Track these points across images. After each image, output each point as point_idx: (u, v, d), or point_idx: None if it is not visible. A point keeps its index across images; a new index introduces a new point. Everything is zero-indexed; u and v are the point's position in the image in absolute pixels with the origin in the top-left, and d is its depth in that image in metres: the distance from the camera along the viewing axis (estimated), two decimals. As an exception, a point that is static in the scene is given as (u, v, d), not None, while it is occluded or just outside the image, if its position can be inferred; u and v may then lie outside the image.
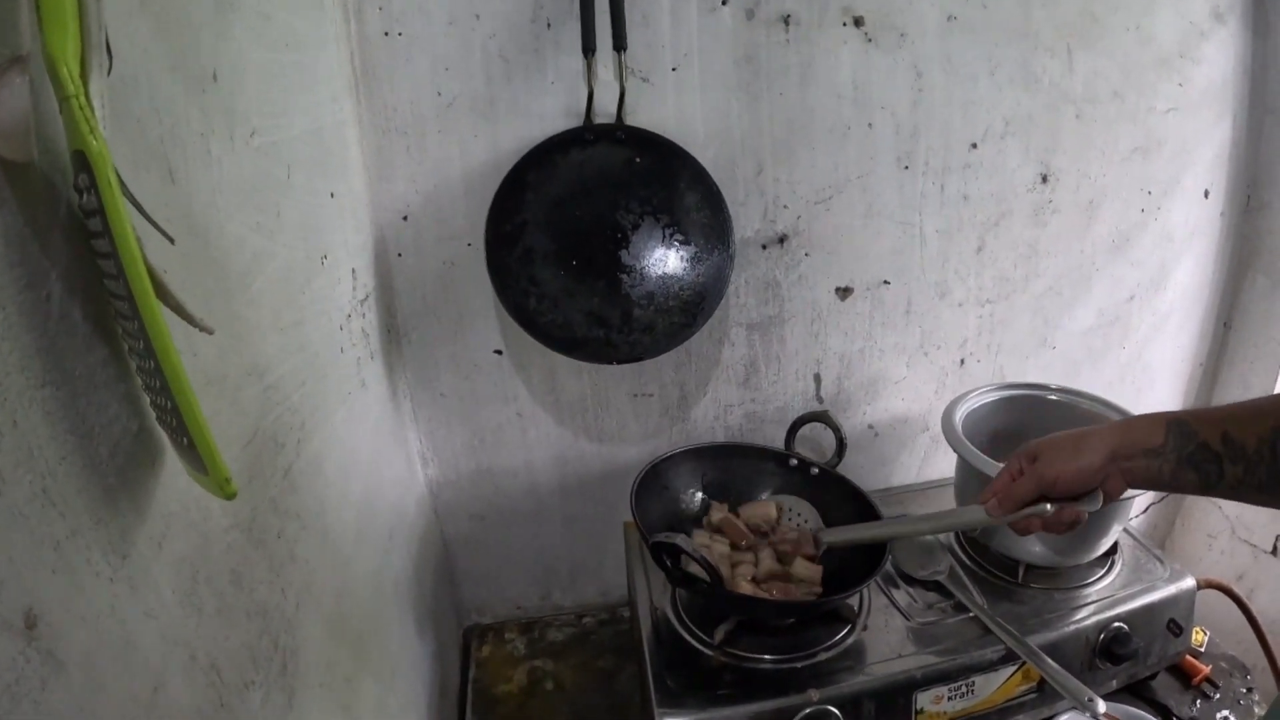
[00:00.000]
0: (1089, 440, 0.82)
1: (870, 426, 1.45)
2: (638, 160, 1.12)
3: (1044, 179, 1.32)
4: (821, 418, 1.21)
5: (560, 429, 1.33)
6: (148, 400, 0.48)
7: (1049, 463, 0.84)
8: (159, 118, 0.56)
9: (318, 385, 0.83)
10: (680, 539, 0.93)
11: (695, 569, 0.97)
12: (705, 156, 1.15)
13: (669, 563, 0.96)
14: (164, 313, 0.43)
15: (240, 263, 0.67)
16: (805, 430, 1.27)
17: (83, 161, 0.40)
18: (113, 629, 0.45)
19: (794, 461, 1.23)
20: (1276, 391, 0.77)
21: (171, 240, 0.50)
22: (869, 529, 1.10)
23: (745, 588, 1.05)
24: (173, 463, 0.51)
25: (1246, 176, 1.46)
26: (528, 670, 1.36)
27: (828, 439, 1.23)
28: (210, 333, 0.51)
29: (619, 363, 1.17)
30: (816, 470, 1.22)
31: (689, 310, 1.16)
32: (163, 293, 0.44)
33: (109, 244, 0.41)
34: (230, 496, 0.47)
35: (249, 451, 0.64)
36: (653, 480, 1.16)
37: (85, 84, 0.39)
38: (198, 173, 0.61)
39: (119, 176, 0.40)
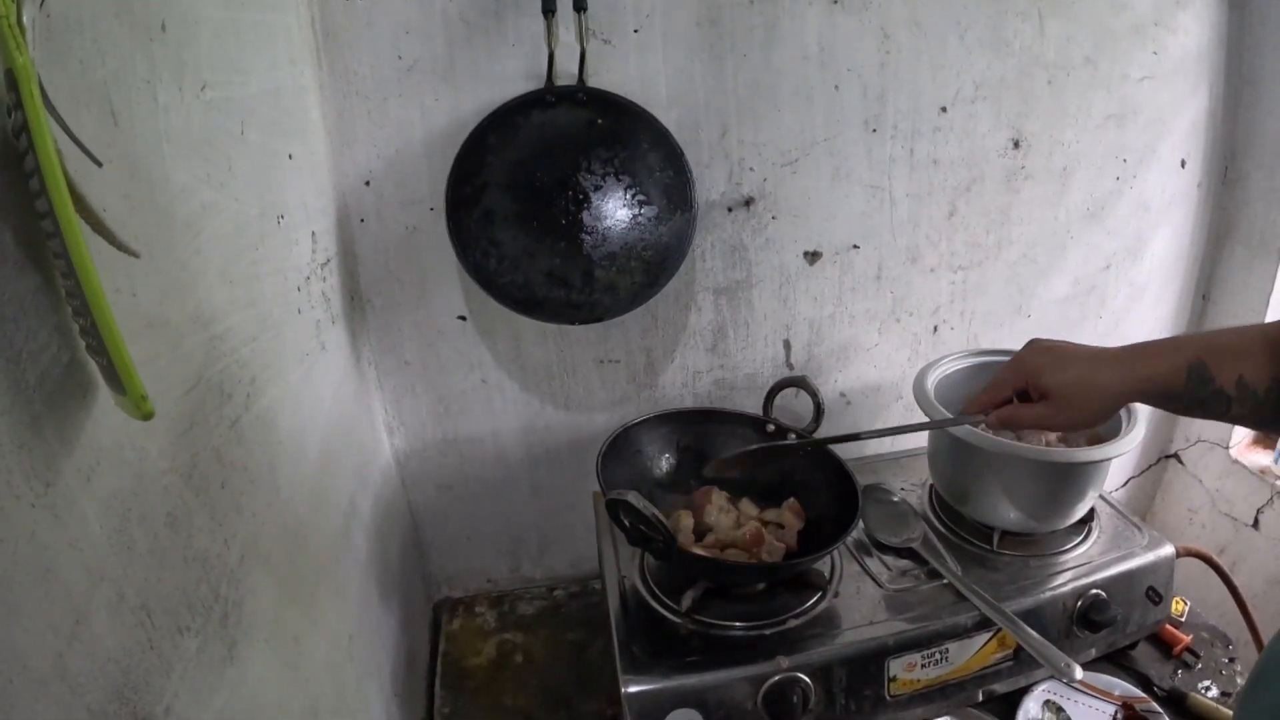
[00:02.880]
0: (1104, 381, 0.81)
1: (842, 394, 1.44)
2: (599, 122, 1.10)
3: (1016, 144, 1.31)
4: (799, 383, 1.20)
5: (526, 396, 1.32)
6: (77, 329, 0.47)
7: (1065, 405, 0.84)
8: (103, 60, 0.55)
9: (271, 343, 0.82)
10: (632, 495, 0.91)
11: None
12: (668, 118, 1.13)
13: (626, 522, 0.94)
14: (89, 235, 0.44)
15: (186, 211, 0.66)
16: (778, 398, 1.25)
17: (12, 81, 0.41)
18: (32, 554, 0.44)
19: (771, 427, 1.22)
20: None
21: (98, 163, 0.49)
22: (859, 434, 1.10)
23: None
24: (105, 399, 0.51)
25: (1224, 147, 1.46)
26: (497, 643, 1.35)
27: (802, 406, 1.22)
28: (135, 255, 0.50)
29: (580, 323, 1.16)
30: (793, 436, 1.21)
31: (651, 270, 1.15)
32: (83, 207, 0.45)
33: (34, 160, 0.42)
34: (147, 416, 0.47)
35: (191, 398, 0.63)
36: (623, 445, 1.16)
37: (18, 7, 0.42)
38: (143, 118, 0.60)
39: (44, 92, 0.42)
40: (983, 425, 0.95)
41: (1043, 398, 0.85)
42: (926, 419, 1.14)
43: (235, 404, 0.72)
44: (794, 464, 1.18)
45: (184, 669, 0.57)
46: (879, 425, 1.45)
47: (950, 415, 1.10)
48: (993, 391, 0.92)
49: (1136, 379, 0.79)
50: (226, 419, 0.70)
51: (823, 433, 1.20)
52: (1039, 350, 0.87)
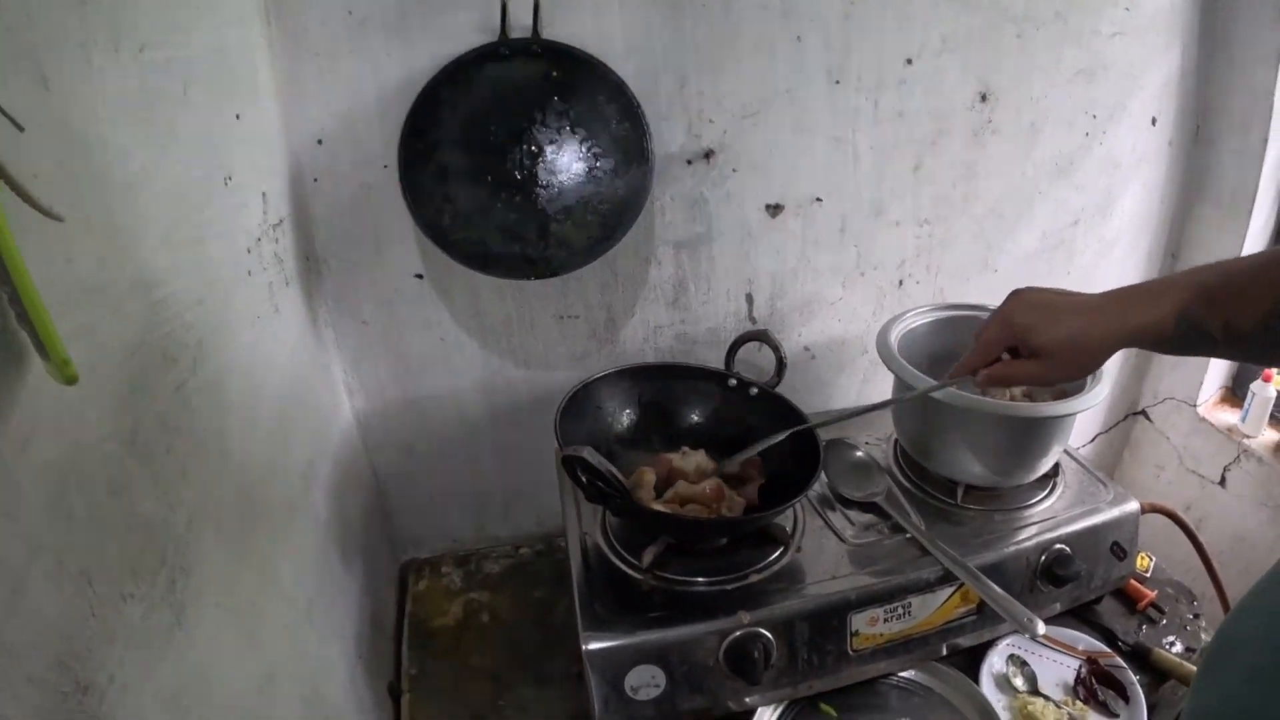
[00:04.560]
0: (1097, 335, 0.80)
1: (806, 348, 1.43)
2: (555, 74, 1.08)
3: (983, 98, 1.29)
4: (760, 336, 1.19)
5: (486, 354, 1.30)
6: (6, 298, 0.47)
7: (1059, 362, 0.82)
8: (32, 25, 0.54)
9: (219, 306, 0.81)
10: (586, 451, 0.90)
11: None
12: (625, 70, 1.11)
13: (583, 478, 0.93)
14: (13, 202, 0.45)
15: (125, 174, 0.65)
16: (741, 352, 1.24)
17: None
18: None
19: (733, 382, 1.21)
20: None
21: (20, 128, 0.48)
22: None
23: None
24: (40, 368, 0.50)
25: (1195, 106, 1.45)
26: (464, 603, 1.34)
27: (765, 360, 1.21)
28: (59, 219, 0.49)
29: (536, 278, 1.15)
30: (756, 390, 1.20)
31: (607, 224, 1.13)
32: (3, 174, 0.45)
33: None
34: (70, 380, 0.47)
35: (132, 363, 0.63)
36: (583, 401, 1.15)
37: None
38: (76, 82, 0.59)
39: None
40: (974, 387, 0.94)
41: (1033, 355, 0.84)
42: (891, 375, 1.13)
43: (180, 369, 0.71)
44: (755, 418, 1.17)
45: (128, 636, 0.57)
46: (844, 379, 1.48)
47: (914, 370, 1.09)
48: (982, 352, 0.89)
49: (1128, 330, 0.78)
50: (171, 384, 0.69)
51: (782, 389, 1.19)
52: (1026, 307, 0.85)
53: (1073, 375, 0.84)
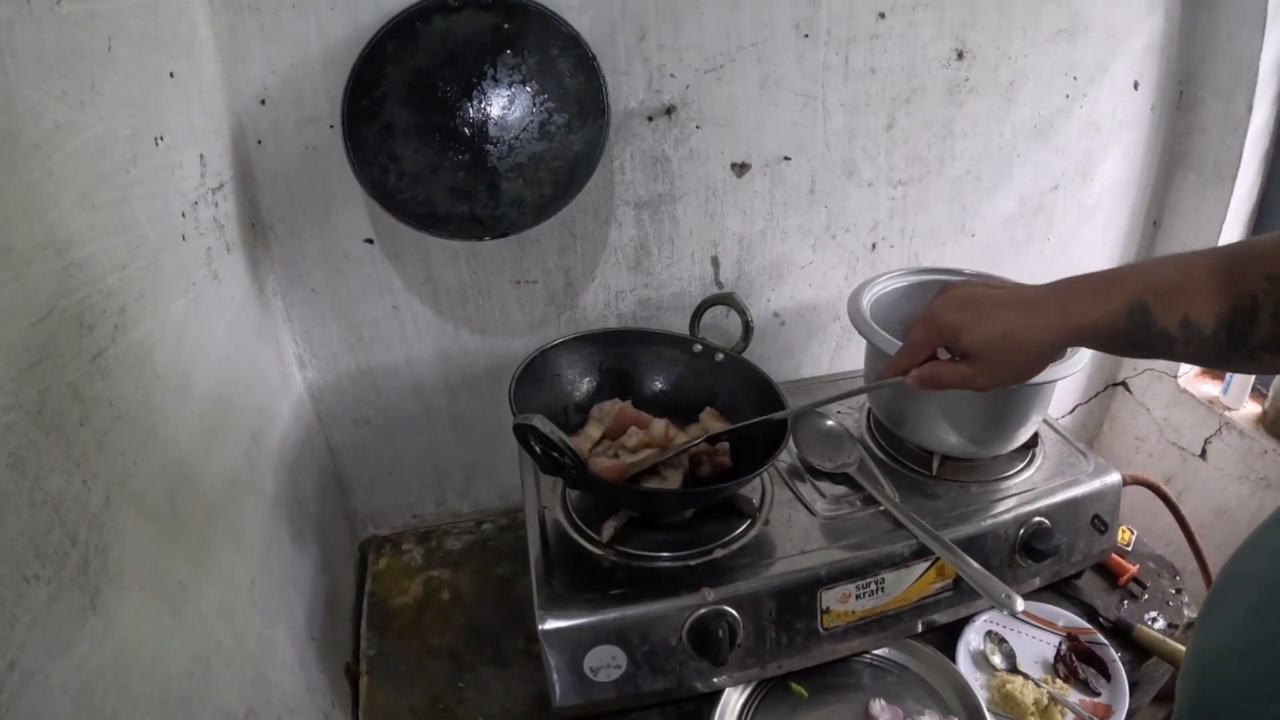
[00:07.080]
0: (1035, 335, 0.73)
1: (776, 314, 1.39)
2: (506, 26, 1.03)
3: (960, 55, 1.25)
4: (726, 300, 1.15)
5: (440, 321, 1.25)
6: None
7: (991, 365, 0.75)
8: None
9: (146, 271, 0.77)
10: (537, 419, 0.86)
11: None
12: (581, 22, 1.06)
13: (536, 448, 0.88)
14: None
15: (36, 131, 0.61)
16: (707, 318, 1.20)
17: None
18: None
19: (698, 347, 1.18)
20: (1237, 244, 0.71)
21: None
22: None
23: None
24: None
25: (1179, 71, 1.41)
26: (424, 581, 1.31)
27: (733, 325, 1.17)
28: None
29: (486, 239, 1.11)
30: (721, 356, 1.16)
31: (560, 181, 1.08)
32: None
33: None
34: None
35: (40, 329, 0.58)
36: (541, 369, 1.11)
37: None
38: None
39: None
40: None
41: (964, 357, 0.77)
42: (864, 342, 1.11)
43: (98, 336, 0.66)
44: (721, 385, 1.14)
45: (32, 620, 0.53)
46: (815, 346, 1.46)
47: (888, 337, 1.06)
48: (909, 353, 0.82)
49: (1071, 328, 0.72)
50: (86, 352, 0.64)
51: (750, 356, 1.16)
52: (955, 303, 0.77)
53: (1010, 379, 0.77)
